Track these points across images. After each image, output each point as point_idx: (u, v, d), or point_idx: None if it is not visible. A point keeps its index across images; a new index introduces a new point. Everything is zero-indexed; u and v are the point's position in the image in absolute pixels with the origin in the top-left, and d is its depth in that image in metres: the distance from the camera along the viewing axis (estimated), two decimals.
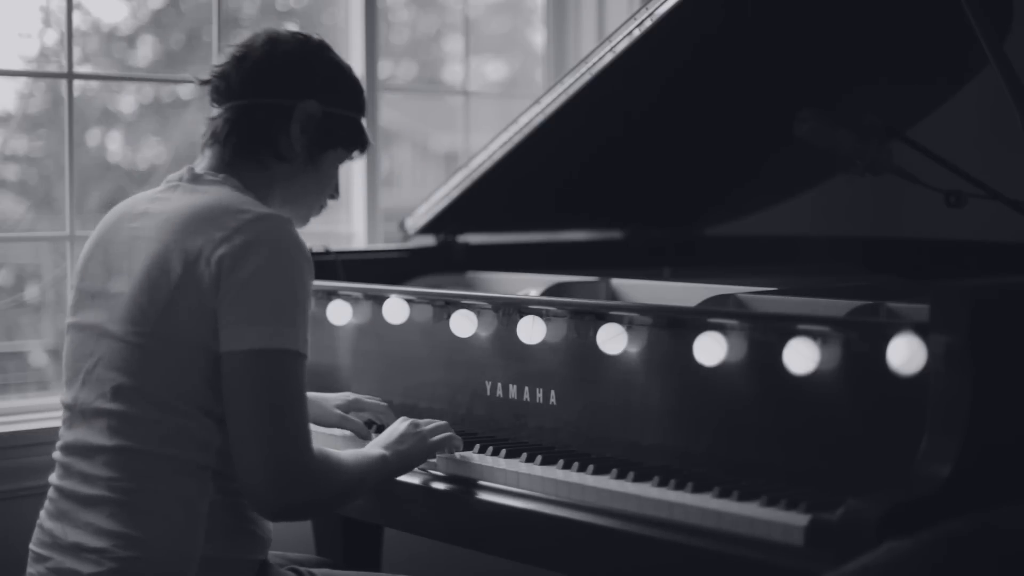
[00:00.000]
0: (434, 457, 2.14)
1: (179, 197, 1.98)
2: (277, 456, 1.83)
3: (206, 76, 2.10)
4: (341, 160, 2.16)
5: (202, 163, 2.06)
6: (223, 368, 1.85)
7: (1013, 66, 2.18)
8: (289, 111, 2.05)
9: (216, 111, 2.07)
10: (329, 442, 2.28)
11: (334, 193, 2.20)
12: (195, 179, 2.02)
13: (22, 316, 3.42)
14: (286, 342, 1.84)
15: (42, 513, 1.97)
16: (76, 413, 1.94)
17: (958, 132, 3.06)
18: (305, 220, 2.17)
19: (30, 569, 1.94)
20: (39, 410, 2.88)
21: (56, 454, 1.97)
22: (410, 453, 2.07)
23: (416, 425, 2.11)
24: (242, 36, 2.14)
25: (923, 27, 2.63)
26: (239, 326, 1.83)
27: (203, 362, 1.86)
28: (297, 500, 1.86)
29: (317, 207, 2.18)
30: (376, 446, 2.06)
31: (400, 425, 2.11)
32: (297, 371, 1.86)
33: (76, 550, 1.87)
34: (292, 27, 2.16)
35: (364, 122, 2.18)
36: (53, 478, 1.97)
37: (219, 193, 1.97)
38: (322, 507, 1.96)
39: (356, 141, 2.16)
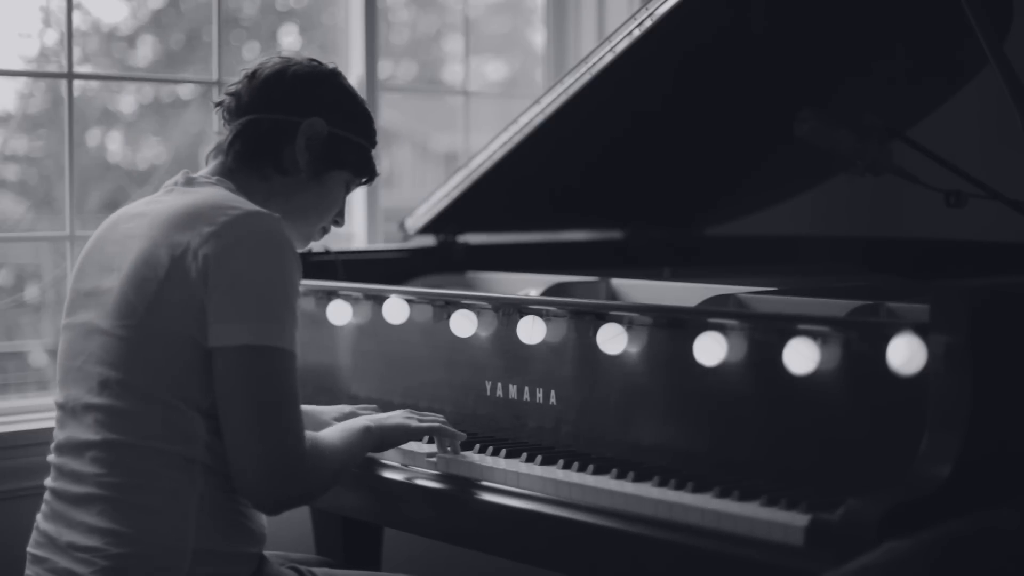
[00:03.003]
0: (419, 439, 2.16)
1: (172, 199, 2.00)
2: (271, 452, 1.84)
3: (219, 98, 2.15)
4: (347, 185, 2.19)
5: (202, 171, 2.10)
6: (215, 365, 1.87)
7: (1013, 66, 2.18)
8: (295, 127, 2.09)
9: (225, 129, 2.11)
10: None
11: (339, 219, 2.23)
12: (189, 182, 2.05)
13: (22, 316, 3.42)
14: (274, 339, 1.86)
15: (38, 516, 1.98)
16: (68, 411, 1.95)
17: (958, 132, 3.06)
18: (305, 239, 2.19)
19: (28, 571, 1.95)
20: (39, 410, 2.88)
21: (50, 456, 1.99)
22: (395, 429, 2.10)
23: (407, 411, 2.16)
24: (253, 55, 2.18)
25: (923, 27, 2.63)
26: (228, 323, 1.85)
27: (189, 355, 1.87)
28: (293, 493, 1.89)
29: (319, 229, 2.21)
30: (364, 419, 2.10)
31: (396, 411, 2.17)
32: (287, 368, 1.88)
33: (70, 550, 1.88)
34: (306, 55, 2.21)
35: (374, 153, 2.21)
36: (48, 481, 1.98)
37: (210, 192, 2.00)
38: (316, 495, 1.98)
39: (363, 168, 2.19)
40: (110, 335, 1.91)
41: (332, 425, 2.30)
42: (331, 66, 2.17)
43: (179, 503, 1.88)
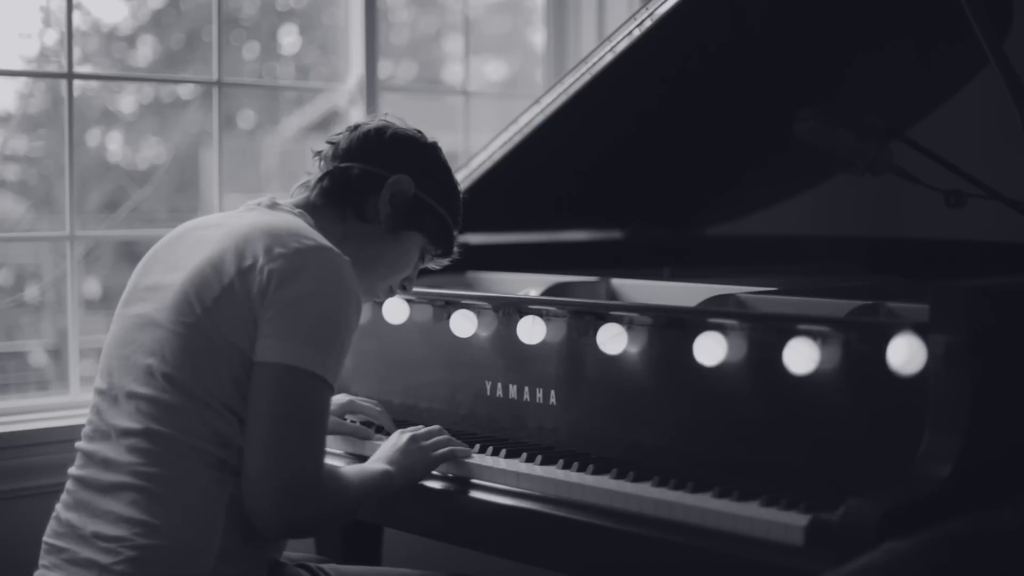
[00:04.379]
0: (436, 470, 2.14)
1: (253, 216, 2.03)
2: (287, 470, 1.85)
3: (318, 148, 2.19)
4: (422, 252, 2.21)
5: (287, 200, 2.14)
6: (253, 378, 1.88)
7: (1013, 66, 2.18)
8: (383, 179, 2.13)
9: (317, 170, 2.16)
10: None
11: (407, 284, 2.25)
12: (273, 205, 2.09)
13: (22, 316, 3.43)
14: (315, 366, 1.87)
15: (58, 506, 1.98)
16: (108, 398, 1.96)
17: (958, 132, 3.06)
18: (369, 293, 2.20)
19: (43, 561, 1.94)
20: (39, 410, 2.88)
21: (79, 443, 1.99)
22: (414, 467, 2.09)
23: (416, 440, 2.12)
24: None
25: (923, 27, 2.63)
26: (276, 339, 1.87)
27: (236, 363, 1.89)
28: (302, 515, 1.88)
29: (384, 286, 2.21)
30: (379, 461, 2.08)
31: (400, 438, 2.12)
32: (321, 397, 1.89)
33: (95, 540, 1.88)
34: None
35: (456, 234, 2.23)
36: (73, 469, 1.98)
37: (290, 219, 2.04)
38: (324, 525, 1.98)
39: (440, 238, 2.21)
40: (165, 329, 1.93)
41: (331, 418, 2.31)
42: (432, 139, 2.23)
43: (210, 502, 1.89)
